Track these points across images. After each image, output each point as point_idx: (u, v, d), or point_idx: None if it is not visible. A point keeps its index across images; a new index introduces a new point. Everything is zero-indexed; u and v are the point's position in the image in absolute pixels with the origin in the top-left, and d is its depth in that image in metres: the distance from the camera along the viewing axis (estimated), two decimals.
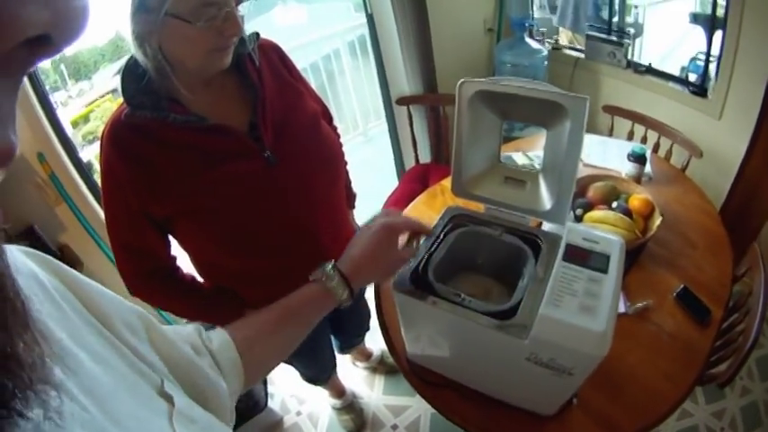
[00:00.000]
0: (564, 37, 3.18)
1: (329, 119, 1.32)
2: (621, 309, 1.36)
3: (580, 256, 0.90)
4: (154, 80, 0.91)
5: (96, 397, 0.36)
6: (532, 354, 0.87)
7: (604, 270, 0.87)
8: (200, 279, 1.20)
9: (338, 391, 2.06)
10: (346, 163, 1.36)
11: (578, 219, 1.59)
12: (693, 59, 2.75)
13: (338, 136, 1.33)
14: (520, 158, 1.90)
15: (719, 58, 2.23)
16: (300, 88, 1.15)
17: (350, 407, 2.09)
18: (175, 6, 0.81)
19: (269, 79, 1.07)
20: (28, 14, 0.21)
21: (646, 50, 3.29)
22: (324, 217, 1.17)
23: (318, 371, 1.81)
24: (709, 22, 2.33)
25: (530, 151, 1.98)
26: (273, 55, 1.12)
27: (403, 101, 2.52)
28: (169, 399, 0.45)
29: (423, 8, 2.33)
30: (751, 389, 2.18)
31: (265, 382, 2.07)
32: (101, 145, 0.97)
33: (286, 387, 2.26)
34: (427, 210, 1.84)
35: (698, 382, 1.23)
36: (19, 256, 0.42)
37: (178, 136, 0.95)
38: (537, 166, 1.82)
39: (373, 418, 2.13)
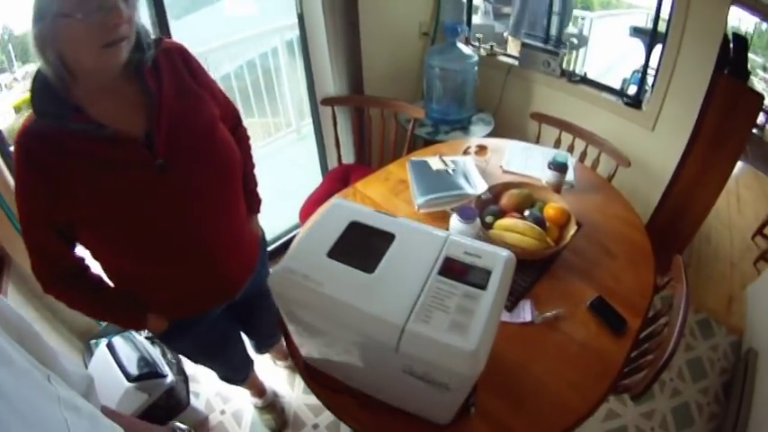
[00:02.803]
0: (513, 46, 3.17)
1: (236, 122, 1.34)
2: (528, 317, 1.35)
3: (458, 270, 0.90)
4: (58, 88, 0.93)
5: (2, 394, 0.42)
6: (406, 365, 0.86)
7: (483, 286, 0.87)
8: (108, 280, 1.22)
9: (259, 391, 2.07)
10: (253, 166, 1.40)
11: (488, 226, 1.52)
12: (636, 72, 2.80)
13: (246, 138, 1.37)
14: (435, 163, 1.81)
15: (657, 71, 2.26)
16: (201, 93, 1.15)
17: (271, 406, 2.10)
18: (61, 6, 0.83)
19: (169, 84, 1.07)
20: None
21: (589, 61, 3.31)
22: (217, 224, 1.18)
23: (232, 372, 1.82)
24: (650, 37, 2.36)
25: (447, 156, 1.90)
26: (178, 58, 1.12)
27: (327, 101, 2.47)
28: (56, 387, 0.50)
29: (353, 9, 2.29)
30: (682, 390, 2.23)
31: (186, 381, 2.07)
32: (14, 149, 1.01)
33: (211, 386, 2.25)
34: None
35: (609, 393, 1.21)
36: None
37: (77, 144, 0.96)
38: (451, 173, 1.76)
39: (294, 418, 2.14)
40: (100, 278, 1.19)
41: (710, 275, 2.85)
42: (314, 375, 1.19)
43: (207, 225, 1.15)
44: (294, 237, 1.84)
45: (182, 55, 1.13)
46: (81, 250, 1.15)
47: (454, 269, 0.90)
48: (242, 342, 1.74)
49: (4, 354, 0.46)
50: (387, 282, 0.88)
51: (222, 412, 2.17)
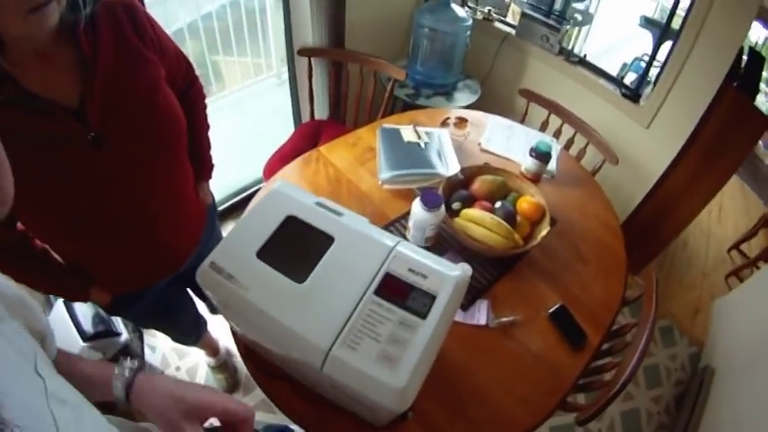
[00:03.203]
0: (515, 14, 2.99)
1: (188, 80, 1.23)
2: (482, 321, 1.26)
3: (398, 291, 0.81)
4: None
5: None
6: (333, 385, 0.80)
7: (423, 314, 0.78)
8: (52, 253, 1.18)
9: (212, 350, 2.07)
10: (208, 127, 1.33)
11: (454, 213, 1.40)
12: (637, 59, 2.66)
13: (201, 97, 1.28)
14: (408, 134, 1.65)
15: (662, 67, 2.14)
16: (146, 53, 1.03)
17: (223, 366, 2.11)
18: None
19: (108, 47, 0.95)
20: None
21: (590, 41, 3.16)
22: (159, 200, 1.12)
23: (183, 336, 1.81)
24: (661, 31, 2.24)
25: (423, 127, 1.74)
26: (122, 14, 0.99)
27: (304, 52, 2.26)
28: (42, 378, 0.49)
29: None
30: (635, 395, 2.21)
31: (141, 338, 2.10)
32: None
33: (167, 341, 2.17)
34: (297, 180, 1.61)
35: (557, 409, 1.15)
36: None
37: (7, 118, 0.86)
38: (423, 146, 1.60)
39: (246, 379, 2.13)
40: (45, 251, 1.14)
41: (681, 281, 2.81)
42: (252, 356, 1.13)
43: (148, 201, 1.09)
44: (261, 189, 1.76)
45: (127, 10, 1.00)
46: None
47: (394, 289, 0.80)
48: (194, 306, 1.70)
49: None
50: (316, 296, 0.80)
51: (177, 368, 2.16)
